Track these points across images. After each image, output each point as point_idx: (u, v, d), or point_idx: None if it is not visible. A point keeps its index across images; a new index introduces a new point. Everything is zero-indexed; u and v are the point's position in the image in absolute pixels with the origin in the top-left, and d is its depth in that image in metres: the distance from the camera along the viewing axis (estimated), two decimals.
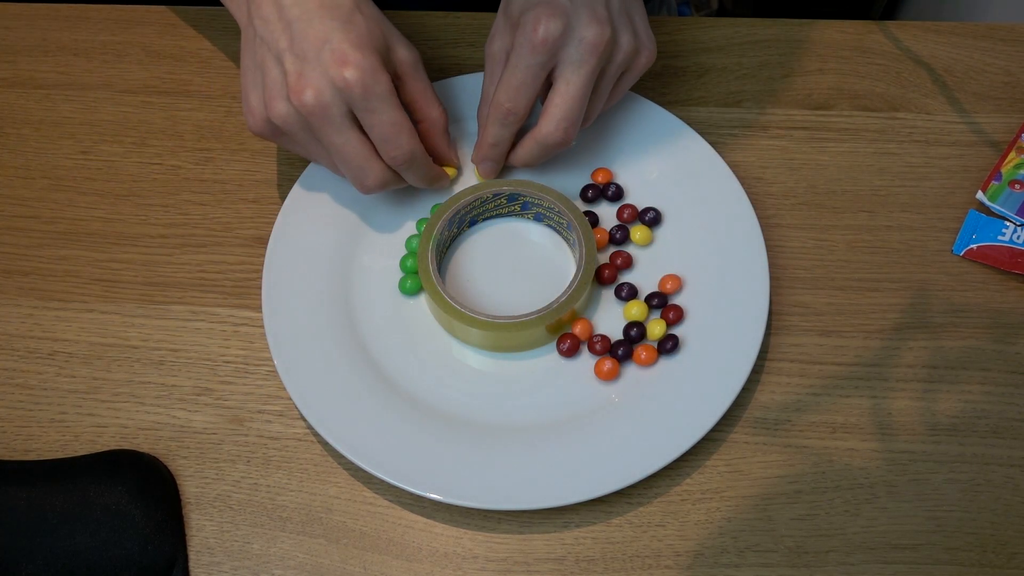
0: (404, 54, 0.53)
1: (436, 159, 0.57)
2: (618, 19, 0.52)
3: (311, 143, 0.52)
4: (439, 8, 0.68)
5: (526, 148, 0.55)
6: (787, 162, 0.61)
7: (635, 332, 0.53)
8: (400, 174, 0.53)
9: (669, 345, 0.52)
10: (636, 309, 0.54)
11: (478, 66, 0.63)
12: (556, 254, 0.57)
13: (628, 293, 0.55)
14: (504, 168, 0.58)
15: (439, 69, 0.64)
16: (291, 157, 0.62)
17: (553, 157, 0.58)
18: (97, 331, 0.56)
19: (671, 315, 0.53)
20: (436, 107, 0.55)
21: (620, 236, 0.57)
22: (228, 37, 0.67)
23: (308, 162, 0.59)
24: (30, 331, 0.56)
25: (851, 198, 0.59)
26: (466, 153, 0.60)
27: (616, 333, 0.54)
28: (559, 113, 0.52)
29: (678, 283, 0.55)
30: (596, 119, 0.56)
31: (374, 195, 0.58)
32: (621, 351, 0.53)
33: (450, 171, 0.58)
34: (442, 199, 0.58)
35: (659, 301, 0.54)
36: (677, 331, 0.54)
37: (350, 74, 0.47)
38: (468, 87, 0.61)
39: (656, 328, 0.53)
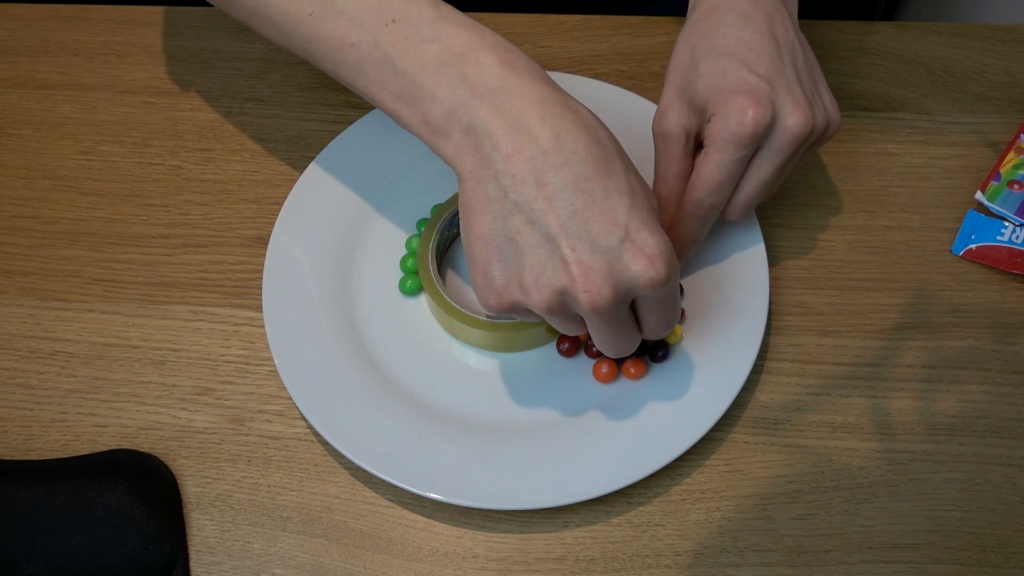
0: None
1: None
2: (813, 97, 0.48)
3: (570, 322, 0.44)
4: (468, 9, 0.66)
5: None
6: None
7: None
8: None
9: (660, 354, 0.52)
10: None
11: None
12: None
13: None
14: None
15: None
16: (291, 157, 0.62)
17: None
18: (98, 331, 0.56)
19: None
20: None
21: None
22: (228, 37, 0.67)
23: (309, 162, 0.59)
24: (31, 331, 0.56)
25: (851, 198, 0.60)
26: None
27: None
28: (745, 199, 0.50)
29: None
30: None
31: (373, 200, 0.58)
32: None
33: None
34: (442, 199, 0.58)
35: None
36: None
37: (660, 272, 0.40)
38: None
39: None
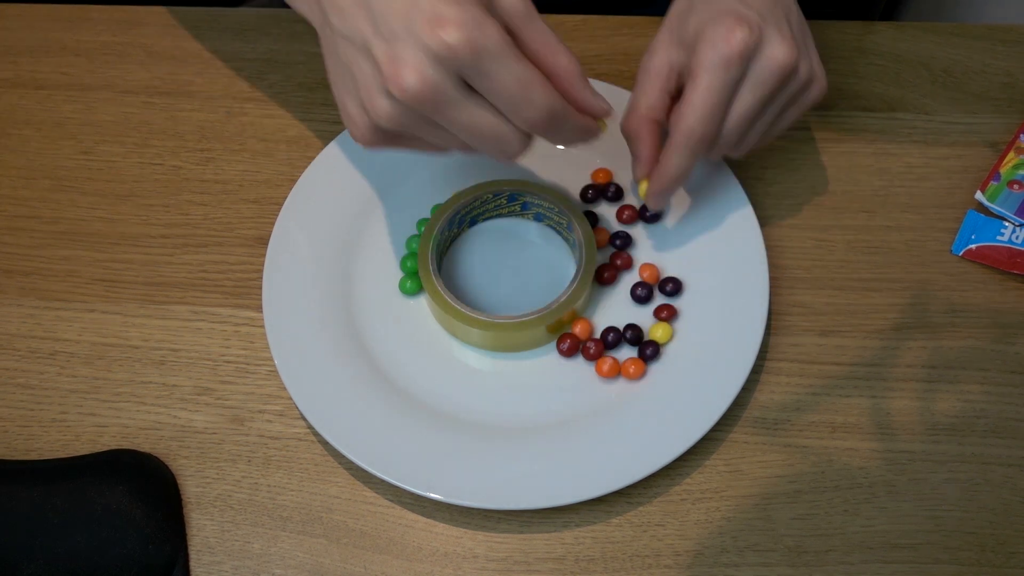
0: (511, 1, 0.43)
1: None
2: (801, 43, 0.49)
3: (432, 131, 0.44)
4: None
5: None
6: (787, 162, 0.61)
7: (630, 335, 0.53)
8: (545, 137, 0.45)
9: (648, 352, 0.52)
10: (661, 331, 0.53)
11: None
12: (556, 254, 0.57)
13: (645, 293, 0.54)
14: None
15: None
16: (291, 157, 0.62)
17: (555, 156, 0.58)
18: (98, 331, 0.56)
19: (663, 313, 0.54)
20: (564, 54, 0.45)
21: (621, 242, 0.56)
22: (228, 37, 0.67)
23: (309, 162, 0.59)
24: (31, 331, 0.56)
25: (851, 198, 0.60)
26: None
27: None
28: (727, 133, 0.49)
29: (657, 273, 0.55)
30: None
31: (373, 200, 0.58)
32: (611, 336, 0.53)
33: (600, 124, 0.49)
34: (442, 199, 0.58)
35: (672, 288, 0.54)
36: (678, 331, 0.54)
37: (450, 35, 0.39)
38: None
39: (659, 330, 0.53)
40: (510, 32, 0.43)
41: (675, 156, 0.49)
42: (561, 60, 0.45)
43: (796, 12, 0.50)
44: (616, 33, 0.66)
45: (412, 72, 0.40)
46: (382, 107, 0.42)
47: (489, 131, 0.43)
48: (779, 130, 0.52)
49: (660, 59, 0.50)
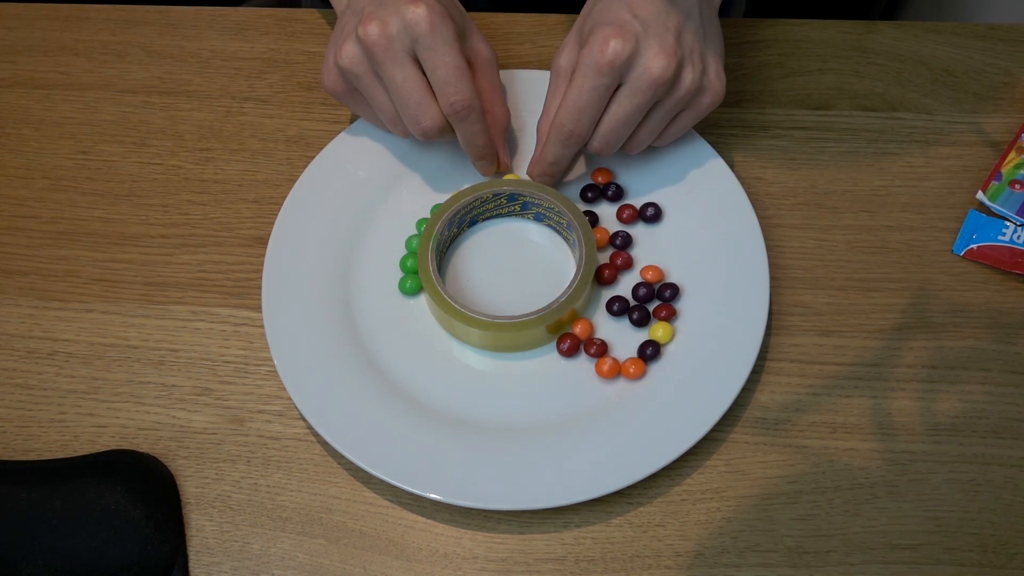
0: (481, 47, 0.54)
1: None
2: (688, 55, 0.51)
3: (373, 86, 0.52)
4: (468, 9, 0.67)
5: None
6: (787, 162, 0.61)
7: (637, 316, 0.53)
8: (455, 127, 0.53)
9: (649, 352, 0.52)
10: (661, 331, 0.53)
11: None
12: (556, 254, 0.57)
13: (620, 308, 0.54)
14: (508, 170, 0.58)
15: None
16: (291, 157, 0.62)
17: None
18: (97, 331, 0.56)
19: (663, 313, 0.53)
20: (502, 105, 0.56)
21: (621, 242, 0.56)
22: (228, 37, 0.67)
23: (309, 162, 0.59)
24: (30, 331, 0.56)
25: (851, 198, 0.59)
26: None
27: (615, 334, 0.54)
28: (603, 132, 0.52)
29: (660, 274, 0.55)
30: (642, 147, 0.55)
31: (372, 199, 0.58)
32: (616, 307, 0.53)
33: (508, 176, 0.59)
34: (442, 199, 0.58)
35: (670, 294, 0.54)
36: (678, 331, 0.54)
37: (419, 11, 0.49)
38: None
39: (659, 330, 0.53)
40: (470, 66, 0.53)
41: (549, 146, 0.54)
42: (498, 109, 0.56)
43: (695, 22, 0.52)
44: None
45: (378, 24, 0.50)
46: (347, 49, 0.51)
47: (413, 94, 0.51)
48: (676, 132, 0.55)
49: (566, 59, 0.54)
